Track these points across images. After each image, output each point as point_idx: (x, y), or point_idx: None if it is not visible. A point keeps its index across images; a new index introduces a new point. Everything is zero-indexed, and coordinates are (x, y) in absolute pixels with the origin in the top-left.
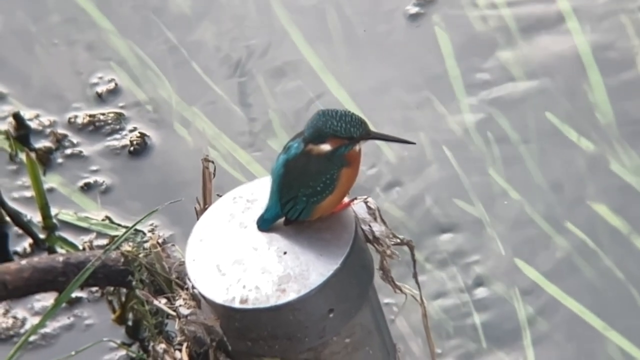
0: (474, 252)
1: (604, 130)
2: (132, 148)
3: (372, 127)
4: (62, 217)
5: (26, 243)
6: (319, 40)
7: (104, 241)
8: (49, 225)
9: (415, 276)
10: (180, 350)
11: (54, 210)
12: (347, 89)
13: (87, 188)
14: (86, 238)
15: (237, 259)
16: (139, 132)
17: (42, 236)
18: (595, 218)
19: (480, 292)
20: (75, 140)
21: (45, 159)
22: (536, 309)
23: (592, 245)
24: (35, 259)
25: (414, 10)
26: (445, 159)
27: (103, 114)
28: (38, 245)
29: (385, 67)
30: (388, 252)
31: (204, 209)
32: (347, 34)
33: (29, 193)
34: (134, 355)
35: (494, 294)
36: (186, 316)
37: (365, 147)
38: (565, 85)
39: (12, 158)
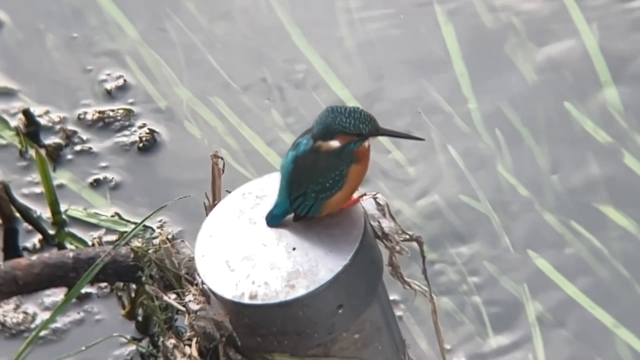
0: (482, 248)
1: (616, 125)
2: (141, 144)
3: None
4: (71, 213)
5: (36, 239)
6: (325, 39)
7: (113, 237)
8: (59, 221)
9: (424, 272)
10: (189, 345)
11: (63, 207)
12: (353, 86)
13: (96, 184)
14: (95, 234)
15: (247, 255)
16: (148, 129)
17: (51, 232)
18: (605, 216)
19: (489, 289)
20: (84, 137)
21: (54, 155)
22: (545, 305)
23: (597, 244)
24: (46, 254)
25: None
26: (452, 156)
27: (112, 111)
28: (47, 241)
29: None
30: (397, 248)
31: (213, 205)
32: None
33: (38, 189)
34: (144, 351)
35: (502, 290)
36: (196, 312)
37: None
38: (574, 82)
39: (22, 154)
